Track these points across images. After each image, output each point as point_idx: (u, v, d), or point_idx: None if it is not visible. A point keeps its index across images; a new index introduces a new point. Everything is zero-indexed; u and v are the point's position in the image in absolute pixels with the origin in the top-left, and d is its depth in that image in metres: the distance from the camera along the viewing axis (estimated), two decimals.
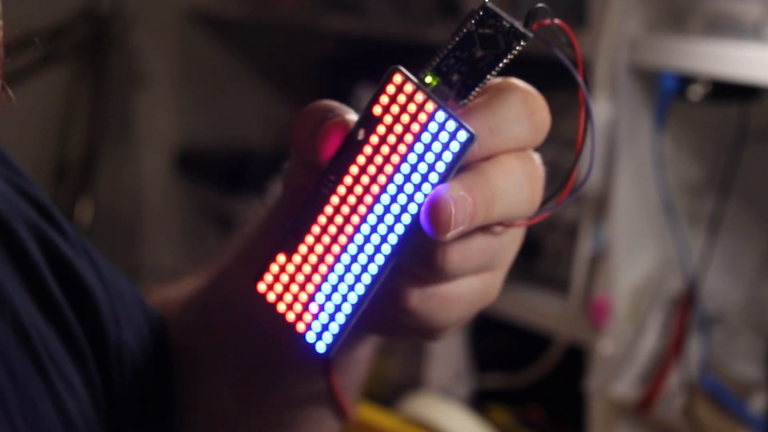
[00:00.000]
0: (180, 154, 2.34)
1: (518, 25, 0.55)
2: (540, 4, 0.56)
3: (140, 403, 0.72)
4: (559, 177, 1.28)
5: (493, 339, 1.72)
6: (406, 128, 0.53)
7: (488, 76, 0.55)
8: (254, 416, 0.78)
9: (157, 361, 0.74)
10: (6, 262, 0.71)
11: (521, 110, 0.56)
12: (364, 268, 0.55)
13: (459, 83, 0.55)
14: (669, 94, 1.37)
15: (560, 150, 1.52)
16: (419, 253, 0.56)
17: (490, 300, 0.64)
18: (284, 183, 0.64)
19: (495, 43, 0.55)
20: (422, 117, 0.53)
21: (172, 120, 2.37)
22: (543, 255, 1.59)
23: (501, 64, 0.54)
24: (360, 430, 1.53)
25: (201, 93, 2.37)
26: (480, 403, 1.63)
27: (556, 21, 0.55)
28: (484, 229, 0.57)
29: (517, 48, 0.54)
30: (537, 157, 0.58)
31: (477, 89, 0.54)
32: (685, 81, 1.35)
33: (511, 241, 0.61)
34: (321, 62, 2.18)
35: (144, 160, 2.39)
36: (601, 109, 1.39)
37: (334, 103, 0.57)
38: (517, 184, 0.56)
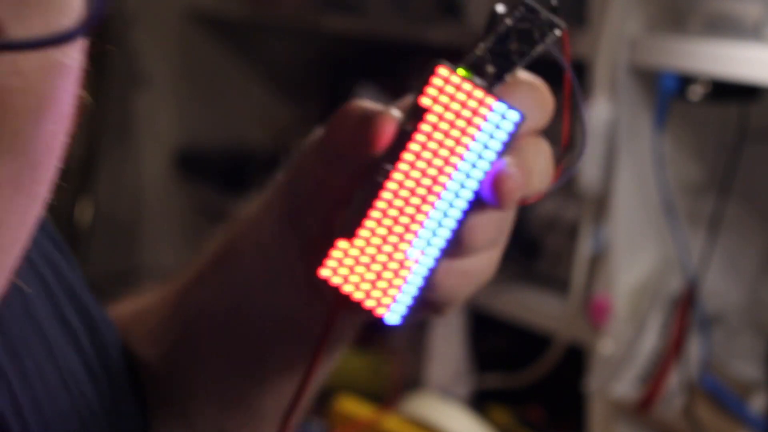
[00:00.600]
0: (180, 154, 2.34)
1: (553, 17, 0.59)
2: (553, 1, 0.61)
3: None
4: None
5: (493, 339, 1.72)
6: (458, 115, 0.58)
7: (519, 67, 0.59)
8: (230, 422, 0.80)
9: (136, 389, 0.76)
10: (37, 285, 0.72)
11: (536, 98, 0.61)
12: (430, 243, 0.60)
13: (492, 75, 0.59)
14: (669, 94, 1.37)
15: (560, 150, 1.54)
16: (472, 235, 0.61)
17: (490, 276, 0.68)
18: (298, 179, 0.68)
19: (530, 36, 0.60)
20: (473, 103, 0.58)
21: (172, 120, 2.37)
22: (543, 255, 1.59)
23: (532, 55, 0.59)
24: (360, 430, 1.55)
25: (201, 93, 2.37)
26: (480, 403, 1.64)
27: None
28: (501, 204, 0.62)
29: (551, 39, 0.59)
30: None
31: (507, 79, 0.59)
32: (685, 81, 1.35)
33: (511, 218, 0.66)
34: (321, 62, 2.19)
35: (144, 160, 2.39)
36: (601, 109, 1.40)
37: (370, 102, 0.62)
38: (545, 161, 0.62)
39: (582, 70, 1.44)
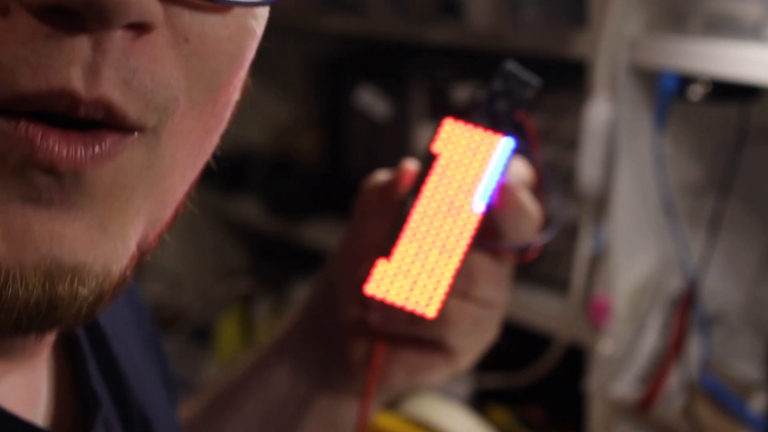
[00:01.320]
0: None
1: (528, 76, 0.75)
2: (512, 67, 0.76)
3: None
4: (559, 175, 1.30)
5: (504, 342, 1.70)
6: (464, 151, 0.74)
7: (507, 122, 0.74)
8: None
9: None
10: (133, 316, 0.80)
11: (522, 161, 0.79)
12: (453, 251, 0.73)
13: (489, 127, 0.75)
14: (669, 94, 1.37)
15: (560, 150, 1.55)
16: (464, 270, 0.75)
17: (492, 337, 0.81)
18: (334, 271, 0.83)
19: (511, 95, 0.76)
20: (474, 141, 0.74)
21: None
22: (543, 255, 1.55)
23: (517, 110, 0.75)
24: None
25: None
26: (480, 403, 1.64)
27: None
28: (497, 256, 0.77)
29: (528, 95, 0.75)
30: None
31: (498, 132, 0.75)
32: (685, 81, 1.36)
33: (507, 283, 0.79)
34: (321, 62, 2.20)
35: None
36: (601, 109, 1.40)
37: (384, 177, 0.79)
38: (534, 207, 0.76)
39: (582, 70, 1.45)
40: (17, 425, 0.59)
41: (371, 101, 1.92)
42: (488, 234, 0.78)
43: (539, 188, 0.82)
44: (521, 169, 0.80)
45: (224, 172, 2.25)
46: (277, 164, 2.18)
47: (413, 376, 0.83)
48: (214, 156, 0.64)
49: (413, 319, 0.76)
